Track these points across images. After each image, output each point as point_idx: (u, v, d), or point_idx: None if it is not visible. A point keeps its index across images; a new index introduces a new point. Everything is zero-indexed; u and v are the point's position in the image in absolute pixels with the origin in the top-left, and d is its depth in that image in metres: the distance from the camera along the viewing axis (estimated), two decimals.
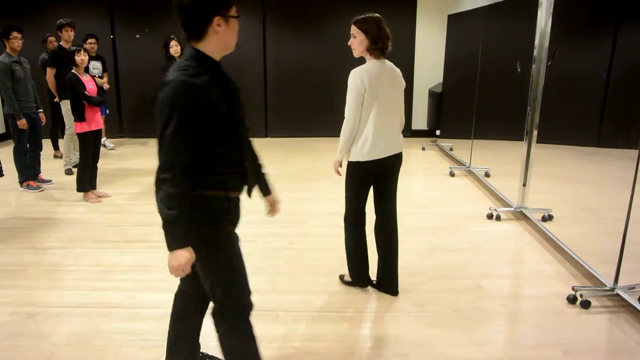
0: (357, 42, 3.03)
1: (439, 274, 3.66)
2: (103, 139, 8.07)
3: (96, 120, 5.22)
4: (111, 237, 4.36)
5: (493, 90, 6.21)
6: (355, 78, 2.98)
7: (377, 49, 3.02)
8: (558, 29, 4.50)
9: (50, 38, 7.04)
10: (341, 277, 3.56)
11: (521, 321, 3.10)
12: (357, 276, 3.40)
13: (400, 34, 8.61)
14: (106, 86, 7.87)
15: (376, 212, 3.33)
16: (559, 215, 4.68)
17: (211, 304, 2.11)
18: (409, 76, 8.90)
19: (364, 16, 3.04)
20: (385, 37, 3.04)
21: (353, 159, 3.11)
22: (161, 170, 1.78)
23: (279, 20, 8.75)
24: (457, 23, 7.65)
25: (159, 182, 1.79)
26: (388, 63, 3.12)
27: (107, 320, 3.04)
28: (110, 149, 8.14)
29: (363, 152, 3.06)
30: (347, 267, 3.43)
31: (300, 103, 9.02)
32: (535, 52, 4.56)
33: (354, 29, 3.03)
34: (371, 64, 3.03)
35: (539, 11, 4.50)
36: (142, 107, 8.94)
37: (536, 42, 4.55)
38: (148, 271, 3.71)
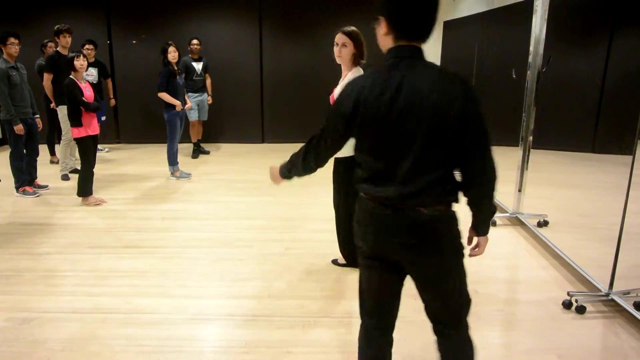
0: (348, 51, 3.38)
1: None
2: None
3: (93, 126, 5.24)
4: (107, 243, 4.36)
5: (488, 96, 6.24)
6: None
7: (361, 58, 3.41)
8: (553, 36, 4.54)
9: (49, 44, 7.05)
10: (334, 261, 3.89)
11: (516, 326, 3.11)
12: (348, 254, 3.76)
13: None
14: (112, 102, 7.93)
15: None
16: (555, 221, 4.69)
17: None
18: None
19: (352, 28, 3.40)
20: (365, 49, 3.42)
21: (345, 154, 3.30)
22: (493, 170, 1.81)
23: (275, 25, 8.78)
24: (452, 29, 7.69)
25: (494, 181, 1.82)
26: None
27: (103, 325, 3.04)
28: (105, 152, 8.14)
29: (349, 148, 3.20)
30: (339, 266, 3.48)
31: (297, 109, 9.03)
32: (530, 58, 4.59)
33: (344, 39, 3.36)
34: (359, 71, 3.37)
35: (533, 17, 4.54)
36: (138, 113, 8.94)
37: (531, 48, 4.59)
38: (144, 276, 3.71)
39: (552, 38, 4.54)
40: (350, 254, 3.74)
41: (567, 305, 3.26)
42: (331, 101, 3.68)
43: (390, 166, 1.76)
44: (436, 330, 2.02)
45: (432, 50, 8.56)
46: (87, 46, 7.17)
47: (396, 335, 2.10)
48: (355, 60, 3.44)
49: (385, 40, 1.80)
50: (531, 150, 4.77)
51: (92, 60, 7.19)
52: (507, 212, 5.00)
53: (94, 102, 5.22)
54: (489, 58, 6.17)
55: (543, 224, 4.68)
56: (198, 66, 7.60)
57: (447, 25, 7.89)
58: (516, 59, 4.93)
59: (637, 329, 2.99)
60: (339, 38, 3.42)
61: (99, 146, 8.18)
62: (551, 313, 3.21)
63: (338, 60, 3.51)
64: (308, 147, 1.97)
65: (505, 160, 5.63)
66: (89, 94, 5.18)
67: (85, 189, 5.36)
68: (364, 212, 1.87)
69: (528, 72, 4.62)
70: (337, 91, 3.25)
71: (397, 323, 2.10)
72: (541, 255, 4.14)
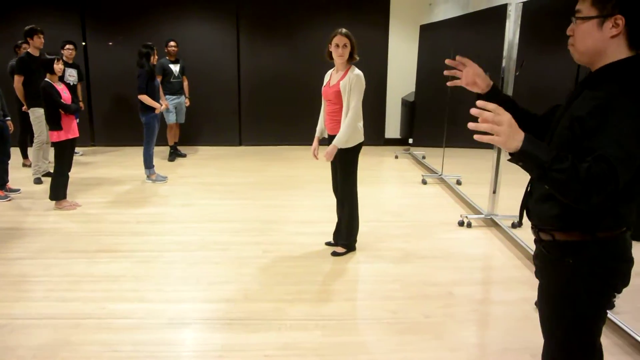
0: (347, 51, 3.72)
1: (411, 281, 3.70)
2: None
3: (73, 129, 5.17)
4: (81, 247, 4.29)
5: (464, 99, 6.31)
6: (363, 79, 3.75)
7: (353, 57, 3.78)
8: (526, 40, 4.61)
9: (24, 45, 6.92)
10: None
11: (491, 326, 3.15)
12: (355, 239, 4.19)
13: (374, 44, 8.70)
14: (81, 105, 7.80)
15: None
16: (528, 223, 4.75)
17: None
18: (382, 85, 8.99)
19: (346, 30, 3.72)
20: None
21: (354, 143, 3.83)
22: None
23: (253, 27, 8.75)
24: (428, 33, 7.76)
25: None
26: None
27: (76, 331, 2.99)
28: (79, 155, 8.01)
29: (359, 135, 3.85)
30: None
31: (275, 111, 9.01)
32: (504, 62, 4.66)
33: (345, 40, 3.70)
34: (356, 69, 3.78)
35: (507, 22, 4.62)
36: (114, 115, 8.82)
37: (504, 52, 4.66)
38: (119, 281, 3.66)
39: (525, 42, 4.61)
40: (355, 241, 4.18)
41: None
42: (324, 95, 3.97)
43: None
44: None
45: (409, 54, 8.64)
46: (67, 46, 7.09)
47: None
48: (350, 59, 3.78)
49: (607, 43, 1.55)
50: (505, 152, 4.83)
51: (71, 61, 7.11)
52: (481, 214, 5.06)
53: (73, 104, 5.15)
54: None
55: (517, 225, 4.74)
56: (175, 68, 7.54)
57: (423, 29, 7.96)
58: (491, 63, 4.99)
59: (611, 330, 3.05)
60: (340, 40, 3.71)
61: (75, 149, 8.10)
62: (525, 313, 3.26)
63: (339, 61, 3.78)
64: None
65: (480, 162, 5.72)
66: (66, 95, 5.10)
67: (58, 193, 5.27)
68: (628, 245, 1.66)
69: (502, 75, 4.69)
70: (356, 83, 3.70)
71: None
72: (515, 255, 4.20)
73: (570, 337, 1.74)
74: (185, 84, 7.80)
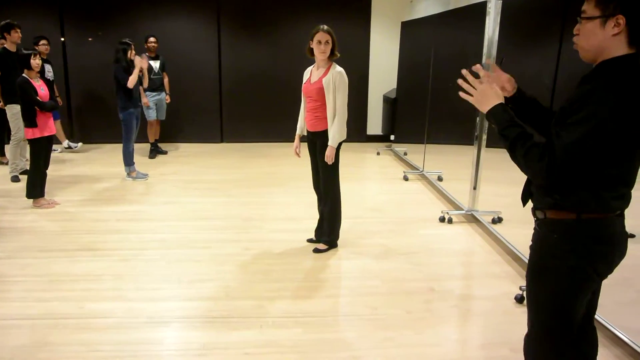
0: (330, 47, 3.74)
1: (393, 277, 3.72)
2: (66, 142, 8.06)
3: (49, 126, 5.07)
4: (60, 246, 4.23)
5: (445, 96, 6.34)
6: (346, 76, 3.77)
7: (333, 54, 3.80)
8: (505, 37, 4.65)
9: (1, 40, 6.79)
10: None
11: (471, 321, 3.18)
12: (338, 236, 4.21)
13: (355, 41, 8.70)
14: (59, 101, 7.70)
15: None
16: (508, 218, 4.81)
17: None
18: (363, 82, 9.00)
19: (327, 26, 3.73)
20: None
21: (340, 141, 3.83)
22: None
23: (234, 23, 8.69)
24: (410, 30, 7.79)
25: None
26: None
27: (54, 331, 2.95)
28: (58, 152, 7.89)
29: (345, 133, 3.87)
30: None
31: (256, 108, 8.97)
32: (484, 59, 4.70)
33: (327, 37, 3.71)
34: (337, 66, 3.79)
35: (486, 19, 4.64)
36: (93, 112, 8.70)
37: (484, 49, 4.69)
38: (99, 280, 3.62)
39: (504, 39, 4.65)
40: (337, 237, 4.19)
41: (519, 299, 3.34)
42: (304, 92, 3.98)
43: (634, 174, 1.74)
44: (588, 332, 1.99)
45: (390, 51, 8.66)
46: (42, 42, 6.98)
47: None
48: (331, 56, 3.80)
49: (609, 41, 1.66)
50: (485, 148, 4.87)
51: (45, 57, 7.00)
52: (462, 210, 5.10)
53: (50, 101, 5.05)
54: (445, 58, 6.27)
55: (497, 220, 4.79)
56: (155, 64, 7.46)
57: (405, 25, 7.99)
58: (471, 60, 5.02)
59: None
60: (322, 36, 3.71)
61: (71, 144, 8.06)
62: (504, 307, 3.29)
63: (321, 57, 3.77)
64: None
65: (461, 158, 5.76)
66: (43, 92, 5.01)
67: (35, 191, 5.18)
68: (611, 231, 1.77)
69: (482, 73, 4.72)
70: (340, 81, 3.72)
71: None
72: (495, 251, 4.24)
73: (549, 312, 1.84)
74: (166, 80, 7.73)
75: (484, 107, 1.85)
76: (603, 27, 1.66)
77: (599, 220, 1.73)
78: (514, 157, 1.76)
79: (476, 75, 1.92)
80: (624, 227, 1.80)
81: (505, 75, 2.08)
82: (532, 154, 1.67)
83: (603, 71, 1.68)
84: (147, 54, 7.38)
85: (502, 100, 1.84)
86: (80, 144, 8.30)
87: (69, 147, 8.10)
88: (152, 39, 7.45)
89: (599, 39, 1.67)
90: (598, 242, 1.75)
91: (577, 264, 1.76)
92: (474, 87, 1.87)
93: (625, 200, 1.76)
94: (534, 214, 1.90)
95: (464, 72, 1.95)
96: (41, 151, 5.09)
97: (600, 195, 1.70)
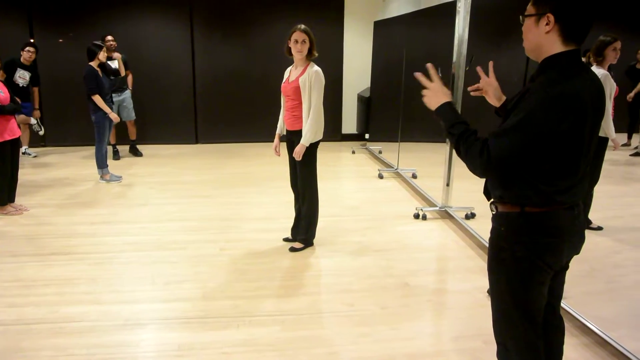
0: (306, 47, 3.76)
1: (368, 274, 3.76)
2: (24, 147, 7.72)
3: (10, 129, 4.89)
4: (31, 251, 4.17)
5: (418, 94, 6.42)
6: (322, 76, 3.79)
7: (311, 53, 3.83)
8: (475, 36, 4.73)
9: None
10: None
11: (445, 315, 3.24)
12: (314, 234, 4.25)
13: (329, 40, 8.73)
14: (37, 114, 7.55)
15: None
16: (481, 213, 4.90)
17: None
18: (338, 81, 9.04)
19: (305, 26, 3.76)
20: None
21: (315, 140, 3.87)
22: None
23: (207, 22, 8.64)
24: (382, 29, 7.86)
25: None
26: None
27: (27, 337, 2.91)
28: (32, 157, 7.73)
29: (320, 133, 3.91)
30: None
31: (231, 108, 8.94)
32: (454, 57, 4.77)
33: (304, 36, 3.73)
34: (315, 65, 3.82)
35: (456, 18, 4.72)
36: (65, 114, 8.55)
37: (455, 48, 4.76)
38: (72, 284, 3.58)
39: (474, 38, 4.73)
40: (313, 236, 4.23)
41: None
42: (283, 91, 3.99)
43: (583, 167, 1.78)
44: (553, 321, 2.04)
45: (364, 50, 8.72)
46: (27, 48, 6.93)
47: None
48: (309, 55, 3.83)
49: (544, 39, 1.73)
50: None
51: (28, 63, 6.93)
52: (436, 206, 5.17)
53: (10, 104, 4.83)
54: (417, 57, 6.34)
55: (470, 216, 4.88)
56: (114, 64, 7.21)
57: (377, 25, 8.05)
58: (442, 58, 5.10)
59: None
60: (299, 35, 3.74)
61: (28, 150, 7.80)
62: (478, 300, 3.36)
63: (298, 56, 3.81)
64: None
65: (435, 156, 5.84)
66: (3, 95, 4.87)
67: (1, 198, 5.02)
68: (557, 224, 1.80)
69: (452, 71, 4.80)
70: (316, 80, 3.73)
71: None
72: (468, 246, 4.32)
73: (507, 304, 1.90)
74: (130, 77, 7.58)
75: (433, 104, 1.91)
76: (537, 25, 1.73)
77: (542, 213, 1.77)
78: (459, 153, 1.80)
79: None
80: (576, 219, 1.81)
81: (496, 82, 2.19)
82: (473, 149, 1.71)
83: (543, 68, 1.75)
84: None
85: (450, 100, 1.91)
86: (35, 154, 7.93)
87: (25, 153, 7.71)
88: (109, 37, 7.19)
89: (535, 36, 1.74)
90: (543, 234, 1.79)
91: (523, 256, 1.80)
92: (427, 87, 1.95)
93: (574, 193, 1.78)
94: (490, 208, 1.97)
95: (428, 65, 2.03)
96: (5, 155, 4.91)
97: (539, 189, 1.74)
